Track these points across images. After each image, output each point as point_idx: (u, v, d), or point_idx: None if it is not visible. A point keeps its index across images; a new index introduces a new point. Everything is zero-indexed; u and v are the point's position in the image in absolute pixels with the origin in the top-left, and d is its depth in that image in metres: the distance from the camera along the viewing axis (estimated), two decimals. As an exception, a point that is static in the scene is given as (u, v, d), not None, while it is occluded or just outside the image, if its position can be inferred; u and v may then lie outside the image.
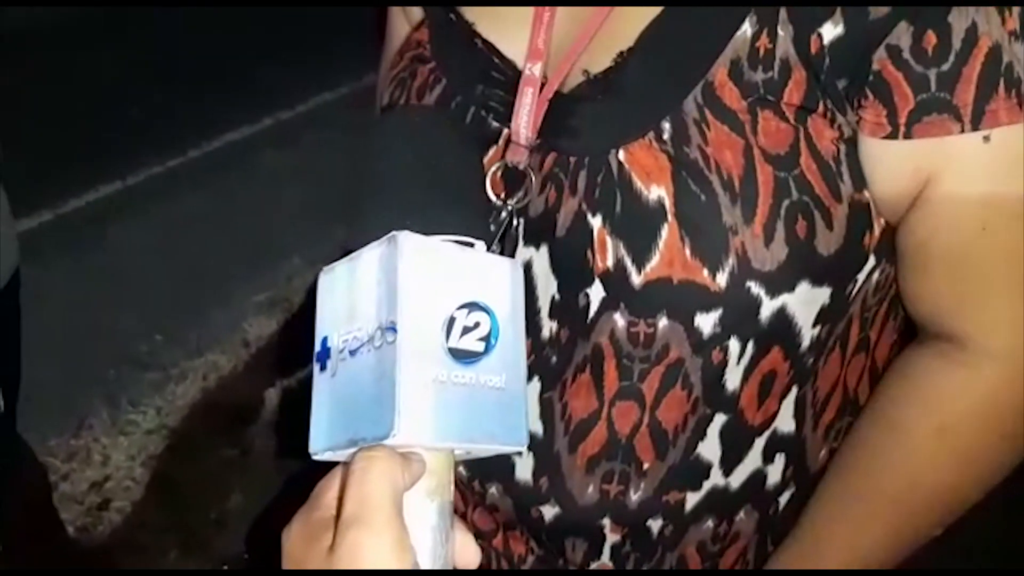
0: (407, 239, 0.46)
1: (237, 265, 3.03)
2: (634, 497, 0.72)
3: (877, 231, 0.66)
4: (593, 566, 0.76)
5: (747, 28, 0.62)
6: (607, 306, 0.66)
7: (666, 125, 0.63)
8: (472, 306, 0.47)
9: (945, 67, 0.58)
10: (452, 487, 0.49)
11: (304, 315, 2.87)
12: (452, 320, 0.47)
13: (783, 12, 0.61)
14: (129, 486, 2.35)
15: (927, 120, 0.59)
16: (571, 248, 0.66)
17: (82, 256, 3.07)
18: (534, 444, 0.72)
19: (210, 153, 3.73)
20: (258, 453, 2.44)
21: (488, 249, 0.51)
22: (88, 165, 3.49)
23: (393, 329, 0.45)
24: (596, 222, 0.64)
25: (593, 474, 0.72)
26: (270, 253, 3.08)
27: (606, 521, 0.73)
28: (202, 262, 3.02)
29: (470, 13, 0.74)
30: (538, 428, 0.72)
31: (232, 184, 3.50)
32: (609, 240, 0.64)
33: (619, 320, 0.66)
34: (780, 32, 0.61)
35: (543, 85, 0.68)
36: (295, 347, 2.72)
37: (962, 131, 0.59)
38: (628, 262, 0.64)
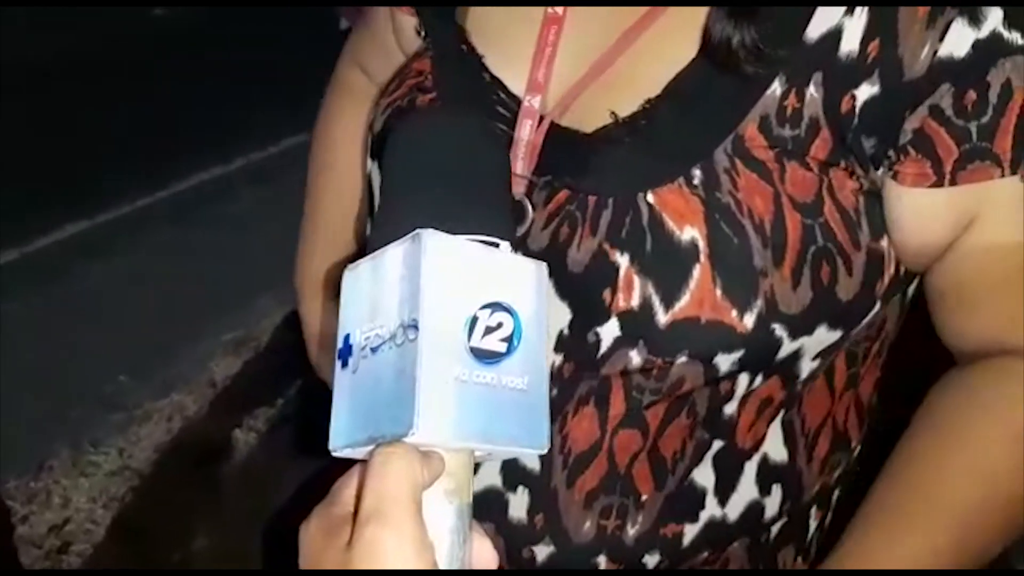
0: (431, 237, 0.46)
1: (205, 305, 3.00)
2: (631, 532, 0.71)
3: (887, 279, 0.68)
4: None
5: (776, 87, 0.64)
6: (621, 344, 0.66)
7: (696, 172, 0.64)
8: (495, 306, 0.47)
9: (984, 120, 0.61)
10: (471, 489, 0.48)
11: (271, 355, 2.85)
12: (475, 319, 0.46)
13: (817, 74, 0.63)
14: (90, 529, 2.29)
15: (971, 168, 0.62)
16: (586, 286, 0.66)
17: (48, 295, 3.03)
18: (530, 480, 0.71)
19: (180, 192, 3.71)
20: (223, 495, 2.40)
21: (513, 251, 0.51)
22: (56, 203, 3.46)
23: (415, 327, 0.45)
24: (623, 261, 0.64)
25: (591, 509, 0.71)
26: (239, 293, 3.06)
27: (601, 559, 0.72)
28: (170, 301, 2.99)
29: (478, 40, 0.74)
30: (535, 464, 0.70)
31: (202, 223, 3.48)
32: (637, 279, 0.64)
33: (635, 357, 0.66)
34: (812, 93, 0.63)
35: (541, 118, 0.69)
36: (263, 387, 2.69)
37: (1002, 175, 0.62)
38: (656, 301, 0.64)
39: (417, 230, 0.46)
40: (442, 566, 0.45)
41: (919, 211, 0.65)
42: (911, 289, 0.74)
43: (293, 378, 2.64)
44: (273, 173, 3.86)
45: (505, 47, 0.73)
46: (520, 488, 0.71)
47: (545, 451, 0.48)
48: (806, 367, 0.69)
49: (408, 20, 0.84)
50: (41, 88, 4.20)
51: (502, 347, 0.47)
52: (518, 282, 0.48)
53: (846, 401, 0.76)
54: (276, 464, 2.38)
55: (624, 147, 0.66)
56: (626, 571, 0.73)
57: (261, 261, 3.15)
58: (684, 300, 0.63)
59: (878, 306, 0.69)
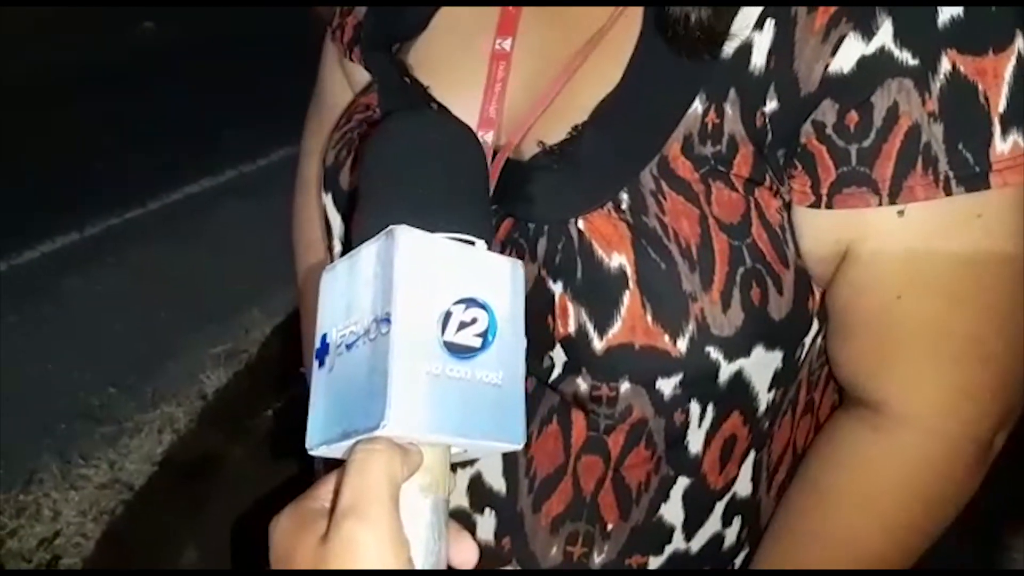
0: (404, 233, 0.46)
1: (195, 317, 2.99)
2: (597, 560, 0.72)
3: (818, 296, 0.68)
4: None
5: (698, 105, 0.63)
6: (569, 370, 0.66)
7: (624, 196, 0.64)
8: (469, 302, 0.47)
9: (866, 143, 0.59)
10: (447, 484, 0.48)
11: (261, 367, 2.84)
12: (448, 314, 0.46)
13: (731, 91, 0.63)
14: (80, 542, 2.28)
15: (847, 192, 0.61)
16: (532, 313, 0.65)
17: (36, 307, 3.01)
18: (497, 502, 0.71)
19: (169, 205, 3.71)
20: (213, 508, 2.38)
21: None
22: (44, 215, 3.45)
23: (388, 321, 0.45)
24: (557, 288, 0.64)
25: (557, 535, 0.71)
26: (229, 305, 3.05)
27: None
28: (159, 314, 2.98)
29: (425, 76, 0.75)
30: (501, 486, 0.70)
31: (192, 235, 3.47)
32: (571, 306, 0.64)
33: (581, 383, 0.66)
34: (728, 110, 0.63)
35: (495, 152, 0.68)
36: (253, 400, 2.68)
37: (880, 204, 0.60)
38: (590, 328, 0.64)
39: (391, 226, 0.47)
40: (418, 561, 0.46)
41: (803, 230, 0.65)
42: None
43: (283, 390, 2.64)
44: (261, 186, 3.85)
45: (450, 82, 0.74)
46: (487, 510, 0.72)
47: (521, 446, 0.49)
48: (763, 399, 0.69)
49: (357, 68, 0.84)
50: (28, 101, 4.20)
51: (476, 342, 0.47)
52: (493, 279, 0.49)
53: (804, 426, 0.77)
54: (266, 476, 2.37)
55: (554, 174, 0.66)
56: (619, 571, 0.73)
57: (250, 273, 3.16)
58: (616, 327, 0.63)
59: (816, 325, 0.69)
